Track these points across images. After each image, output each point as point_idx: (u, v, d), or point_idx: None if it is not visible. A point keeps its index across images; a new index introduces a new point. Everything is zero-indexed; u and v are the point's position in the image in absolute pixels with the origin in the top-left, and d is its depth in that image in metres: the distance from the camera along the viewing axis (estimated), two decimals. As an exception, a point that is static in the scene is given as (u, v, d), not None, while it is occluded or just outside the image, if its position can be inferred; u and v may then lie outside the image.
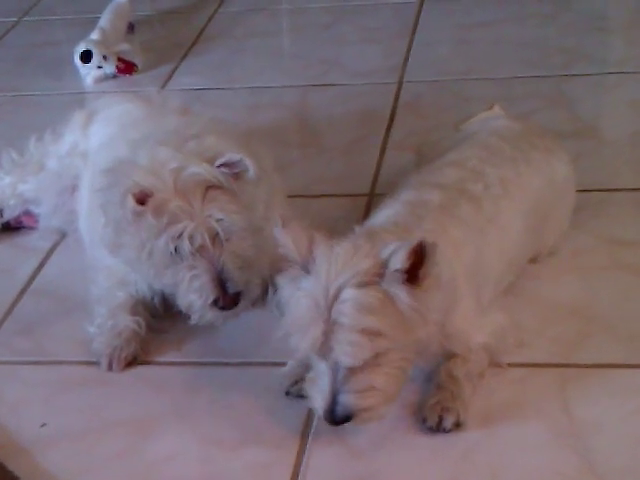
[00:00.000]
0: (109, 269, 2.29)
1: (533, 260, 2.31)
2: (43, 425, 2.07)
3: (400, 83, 3.33)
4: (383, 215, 2.05)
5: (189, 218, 2.02)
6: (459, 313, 1.96)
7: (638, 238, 2.43)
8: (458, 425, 1.90)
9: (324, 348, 1.78)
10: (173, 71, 3.60)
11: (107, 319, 2.25)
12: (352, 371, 1.79)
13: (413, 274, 1.78)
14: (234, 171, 2.07)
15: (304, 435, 1.95)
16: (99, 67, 3.54)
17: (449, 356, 1.99)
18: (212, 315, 2.10)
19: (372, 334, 1.76)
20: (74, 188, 2.57)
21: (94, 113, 2.62)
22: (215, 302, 2.07)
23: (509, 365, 2.05)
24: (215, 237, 2.05)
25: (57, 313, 2.40)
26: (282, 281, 1.87)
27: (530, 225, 2.19)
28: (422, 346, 1.89)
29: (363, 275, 1.78)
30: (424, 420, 1.92)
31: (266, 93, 3.40)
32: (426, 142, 2.68)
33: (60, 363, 2.24)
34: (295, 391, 2.02)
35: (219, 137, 2.11)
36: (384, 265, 1.77)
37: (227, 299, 2.07)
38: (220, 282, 2.06)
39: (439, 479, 1.83)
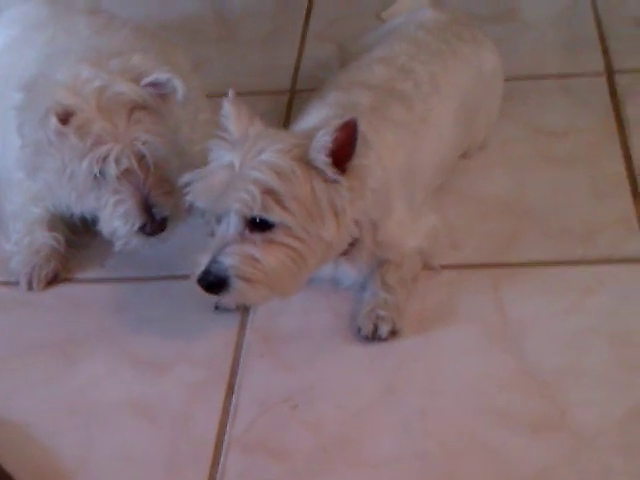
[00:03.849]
0: (22, 183, 2.17)
1: (463, 155, 2.26)
2: (-38, 351, 2.00)
3: (317, -32, 3.21)
4: (312, 118, 1.96)
5: (114, 140, 1.92)
6: (393, 219, 1.91)
7: (566, 127, 2.39)
8: (394, 333, 1.87)
9: (220, 201, 1.74)
10: (77, -38, 3.41)
11: (23, 236, 2.15)
12: (241, 238, 1.74)
13: (340, 163, 1.73)
14: (161, 92, 1.97)
15: (236, 350, 1.91)
16: (-3, -41, 3.34)
17: (381, 263, 1.94)
18: (138, 241, 2.01)
19: (271, 196, 1.71)
20: (-22, 96, 2.43)
21: (-5, 14, 2.46)
22: (141, 228, 1.98)
23: (442, 267, 2.02)
24: (141, 160, 1.95)
25: (-31, 231, 2.29)
26: (212, 146, 1.82)
27: (460, 120, 2.14)
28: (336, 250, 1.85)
29: (288, 146, 1.74)
30: (359, 329, 1.88)
31: (177, -17, 3.25)
32: (351, 36, 2.58)
33: (-24, 284, 2.16)
34: (224, 304, 1.97)
35: (145, 54, 2.00)
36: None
37: (154, 225, 1.98)
38: (146, 207, 1.97)
39: (376, 388, 1.80)
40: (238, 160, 1.75)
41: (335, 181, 1.74)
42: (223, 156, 1.78)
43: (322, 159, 1.72)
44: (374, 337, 1.87)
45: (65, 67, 1.98)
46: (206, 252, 1.77)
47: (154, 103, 1.98)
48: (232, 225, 1.75)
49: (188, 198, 1.80)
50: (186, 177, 1.80)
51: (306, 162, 1.73)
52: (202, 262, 1.76)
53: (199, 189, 1.78)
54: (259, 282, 1.75)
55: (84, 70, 1.95)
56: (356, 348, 1.88)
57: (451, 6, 2.79)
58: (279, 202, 1.71)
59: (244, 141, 1.78)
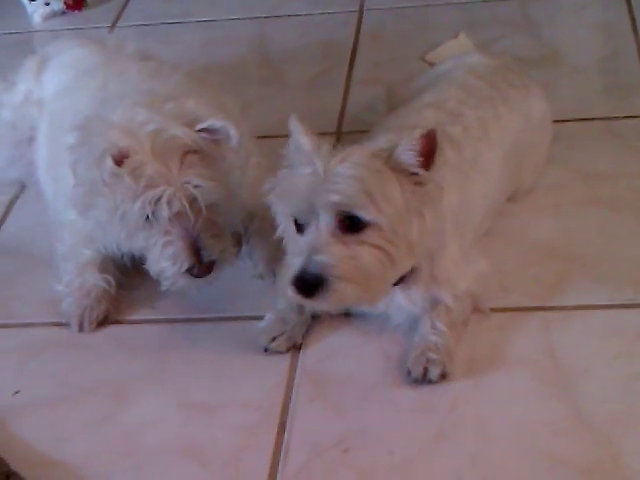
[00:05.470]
0: (73, 224, 2.19)
1: (510, 199, 2.26)
2: (16, 392, 2.00)
3: (361, 12, 3.23)
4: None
5: (167, 183, 1.93)
6: (446, 258, 1.91)
7: (613, 170, 2.38)
8: (444, 376, 1.86)
9: (312, 200, 1.72)
10: (124, 6, 3.46)
11: (75, 277, 2.17)
12: (334, 239, 1.72)
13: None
14: (215, 137, 1.99)
15: (287, 393, 1.91)
16: (46, 4, 3.41)
17: (433, 305, 1.94)
18: (184, 282, 2.02)
19: (366, 195, 1.71)
20: (31, 139, 2.47)
21: (46, 59, 2.50)
22: (189, 270, 1.99)
23: (492, 310, 2.01)
24: (192, 203, 1.97)
25: (21, 272, 2.31)
26: (282, 169, 1.83)
27: (508, 166, 2.14)
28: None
29: (374, 150, 1.76)
30: (409, 372, 1.88)
31: (221, 27, 3.28)
32: (397, 79, 2.60)
33: (28, 325, 2.17)
34: (274, 347, 1.98)
35: (198, 100, 2.02)
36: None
37: (201, 267, 1.99)
38: (195, 250, 1.98)
39: (427, 433, 1.79)
40: (321, 166, 1.73)
41: (420, 183, 1.76)
42: (302, 168, 1.77)
43: (413, 159, 1.75)
44: (424, 380, 1.86)
45: (120, 109, 2.00)
46: (297, 255, 1.75)
47: (207, 148, 2.00)
48: (324, 225, 1.73)
49: (273, 203, 1.82)
50: (269, 183, 1.82)
51: (391, 167, 1.75)
52: (296, 263, 1.74)
53: (285, 192, 1.78)
54: (355, 281, 1.74)
55: (139, 113, 1.97)
56: (406, 391, 1.87)
57: (496, 50, 2.81)
58: (373, 201, 1.72)
59: (320, 152, 1.77)
